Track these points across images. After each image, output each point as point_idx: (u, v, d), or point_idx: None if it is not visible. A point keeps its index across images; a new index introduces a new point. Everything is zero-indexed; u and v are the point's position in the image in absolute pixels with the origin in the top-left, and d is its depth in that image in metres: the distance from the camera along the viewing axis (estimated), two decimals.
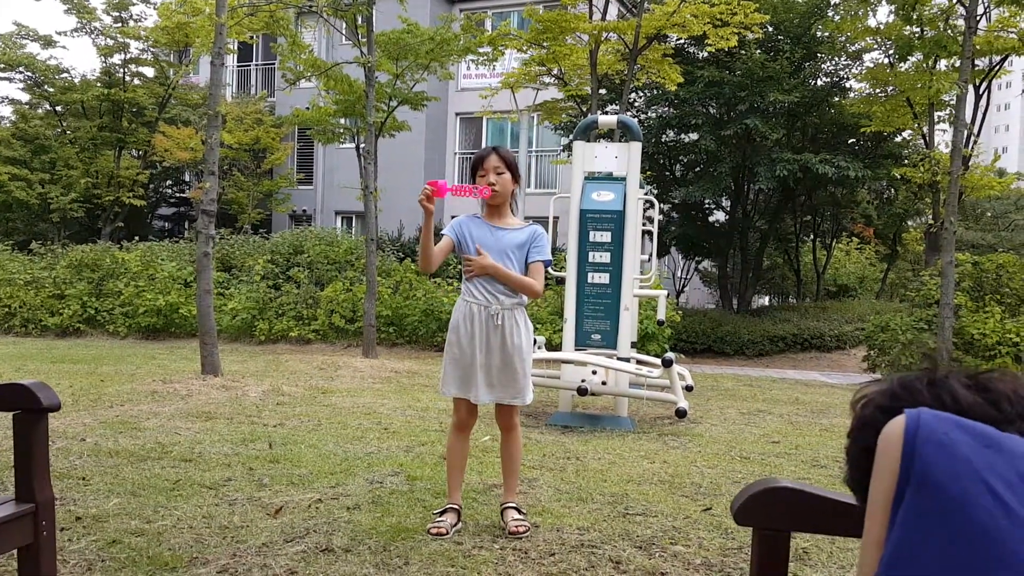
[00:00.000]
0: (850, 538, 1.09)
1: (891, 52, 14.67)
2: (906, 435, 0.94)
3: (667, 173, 16.66)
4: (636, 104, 16.10)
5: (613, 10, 15.44)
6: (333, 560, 2.97)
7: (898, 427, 0.96)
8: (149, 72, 20.38)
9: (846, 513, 1.28)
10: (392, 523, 3.42)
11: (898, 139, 16.18)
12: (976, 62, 13.17)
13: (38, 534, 2.15)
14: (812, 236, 20.46)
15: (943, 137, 17.05)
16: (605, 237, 6.38)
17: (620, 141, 7.38)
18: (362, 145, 12.85)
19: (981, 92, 14.25)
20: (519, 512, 3.43)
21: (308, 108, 15.35)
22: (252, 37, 12.72)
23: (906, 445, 0.94)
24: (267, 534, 3.25)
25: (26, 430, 2.15)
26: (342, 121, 15.09)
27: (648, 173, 15.45)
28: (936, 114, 14.36)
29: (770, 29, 14.66)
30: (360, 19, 11.18)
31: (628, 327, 6.48)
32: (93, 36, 18.94)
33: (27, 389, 2.13)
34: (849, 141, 15.86)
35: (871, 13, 13.81)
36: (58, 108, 20.28)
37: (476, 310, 3.35)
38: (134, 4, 18.84)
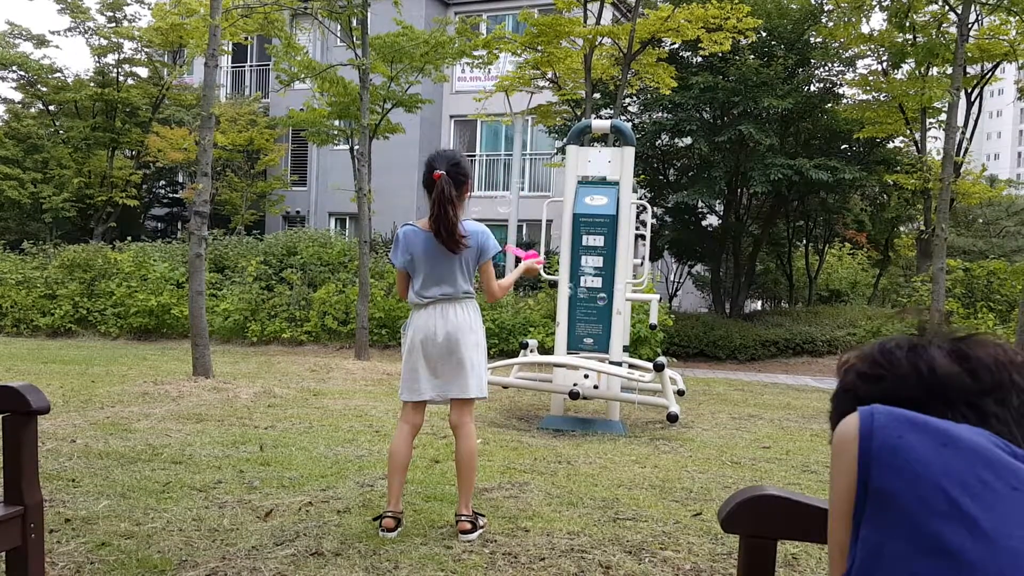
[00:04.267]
0: None
1: (884, 59, 14.75)
2: (861, 440, 0.92)
3: (661, 177, 16.70)
4: (630, 108, 16.14)
5: (608, 15, 15.48)
6: (323, 564, 2.97)
7: (851, 430, 0.94)
8: (143, 72, 20.33)
9: None
10: None
11: (890, 145, 16.25)
12: (968, 69, 13.25)
13: (26, 537, 2.14)
14: (805, 241, 20.52)
15: (935, 144, 17.14)
16: (598, 241, 6.39)
17: (614, 145, 7.40)
18: (356, 147, 12.86)
19: (973, 99, 14.35)
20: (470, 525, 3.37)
21: (302, 110, 15.37)
22: (246, 38, 12.73)
23: (861, 452, 0.92)
24: (257, 537, 3.24)
25: (15, 432, 2.15)
26: (336, 123, 15.12)
27: (642, 177, 15.49)
28: (928, 121, 14.45)
29: (764, 35, 14.72)
30: (355, 21, 11.18)
31: (620, 331, 6.50)
32: (87, 36, 18.89)
33: (16, 391, 2.12)
34: (842, 147, 15.93)
35: (864, 20, 13.85)
36: (51, 107, 20.21)
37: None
38: (128, 4, 18.80)
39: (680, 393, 7.28)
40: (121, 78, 19.59)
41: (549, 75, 14.10)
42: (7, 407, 2.14)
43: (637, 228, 7.94)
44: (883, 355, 1.03)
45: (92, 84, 19.29)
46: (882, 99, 14.36)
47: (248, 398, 6.96)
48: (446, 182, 3.32)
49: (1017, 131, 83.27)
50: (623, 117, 14.39)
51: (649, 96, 15.40)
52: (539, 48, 13.15)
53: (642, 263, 8.36)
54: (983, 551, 0.83)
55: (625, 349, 7.01)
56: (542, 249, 7.54)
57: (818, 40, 15.03)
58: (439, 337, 3.39)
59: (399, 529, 3.35)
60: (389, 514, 3.35)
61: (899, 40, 13.24)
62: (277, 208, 20.68)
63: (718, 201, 16.77)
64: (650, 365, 6.55)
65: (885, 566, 0.87)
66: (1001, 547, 0.83)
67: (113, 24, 18.85)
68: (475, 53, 13.67)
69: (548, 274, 7.91)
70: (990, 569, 0.82)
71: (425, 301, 3.44)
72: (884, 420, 0.93)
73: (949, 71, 11.90)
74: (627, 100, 15.33)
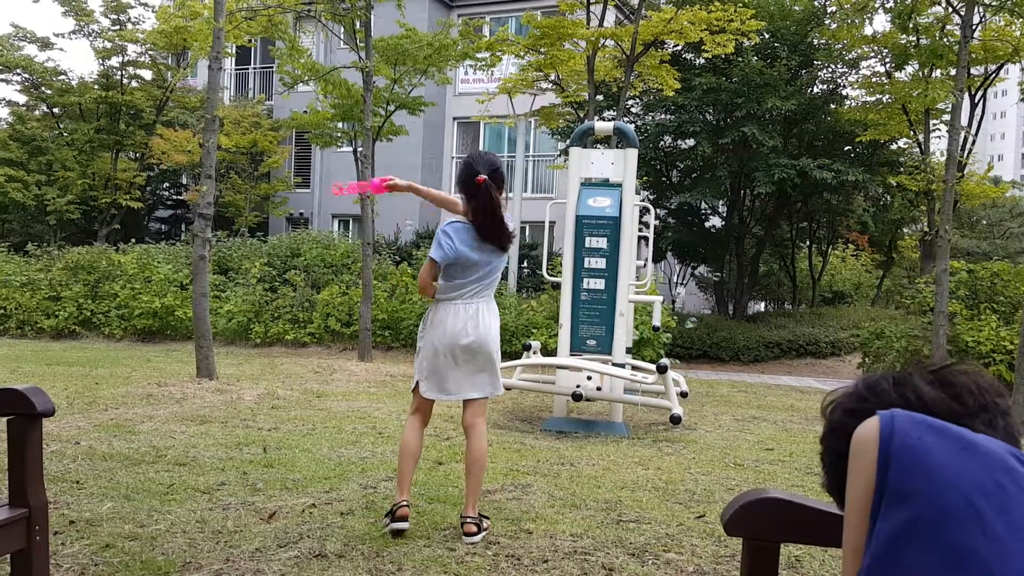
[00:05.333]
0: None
1: (887, 60, 14.73)
2: (881, 441, 0.93)
3: (664, 179, 16.69)
4: (633, 110, 16.14)
5: (611, 16, 15.47)
6: (326, 566, 2.97)
7: (872, 431, 0.95)
8: (147, 75, 20.36)
9: (836, 523, 1.29)
10: (385, 529, 3.42)
11: (894, 147, 16.22)
12: (972, 70, 13.22)
13: (31, 539, 2.15)
14: (808, 242, 20.49)
15: (939, 145, 17.11)
16: (601, 243, 6.40)
17: (616, 147, 7.40)
18: (359, 149, 12.86)
19: (976, 100, 14.31)
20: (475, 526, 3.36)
21: (306, 112, 15.37)
22: (250, 41, 12.73)
23: (881, 452, 0.93)
24: (260, 539, 3.25)
25: (20, 435, 2.15)
26: (340, 125, 15.11)
27: (645, 179, 15.47)
28: (932, 122, 14.42)
29: (767, 36, 14.71)
30: (358, 24, 11.20)
31: (623, 333, 6.49)
32: (91, 39, 18.93)
33: (21, 394, 2.13)
34: (845, 148, 15.91)
35: (868, 21, 13.83)
36: (55, 110, 20.25)
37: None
38: (132, 7, 18.84)
39: (683, 395, 7.28)
40: (125, 80, 19.63)
41: (552, 77, 14.10)
42: (12, 409, 2.15)
43: (640, 230, 7.94)
44: (869, 389, 1.05)
45: (96, 87, 19.32)
46: (885, 100, 14.33)
47: (252, 400, 6.97)
48: (490, 185, 3.42)
49: (1021, 132, 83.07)
50: (626, 119, 14.39)
51: (652, 98, 15.40)
52: (542, 50, 13.15)
53: (645, 264, 8.36)
54: (997, 552, 0.84)
55: (628, 351, 7.01)
56: (544, 251, 7.54)
57: (821, 42, 15.01)
58: (473, 337, 3.47)
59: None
60: (405, 503, 3.36)
61: (902, 42, 13.21)
62: (281, 210, 20.70)
63: (721, 202, 16.75)
64: (653, 367, 6.56)
65: (899, 564, 0.88)
66: (1013, 548, 0.84)
67: (117, 27, 18.89)
68: (478, 55, 13.67)
69: (551, 275, 7.92)
70: (1003, 570, 0.83)
71: (464, 297, 3.49)
72: (904, 423, 0.94)
73: (952, 72, 11.87)
74: (630, 102, 15.33)
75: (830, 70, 15.99)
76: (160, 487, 3.99)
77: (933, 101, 12.16)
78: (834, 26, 14.28)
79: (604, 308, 6.41)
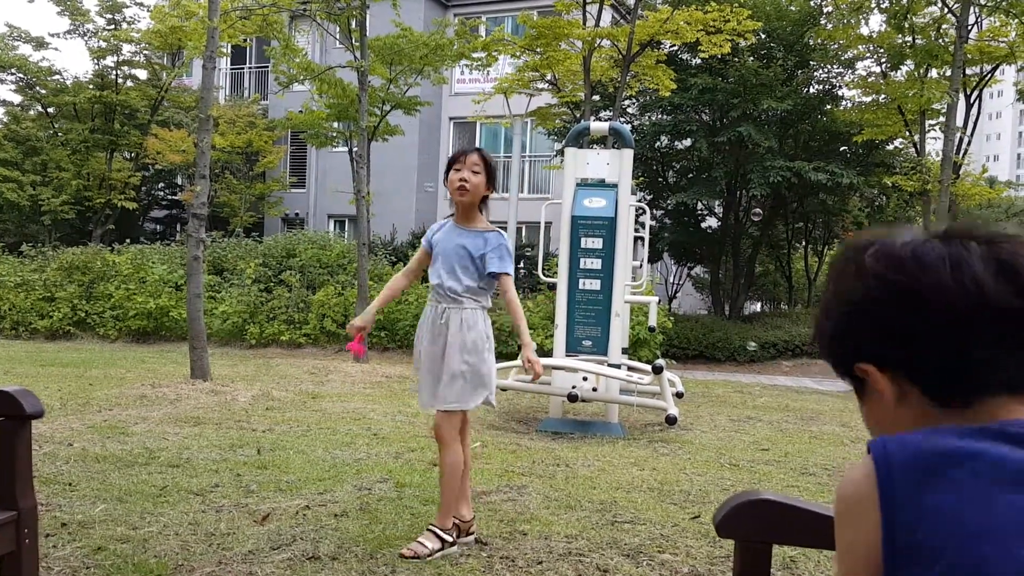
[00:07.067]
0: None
1: (883, 60, 14.76)
2: (882, 498, 0.78)
3: (660, 179, 16.70)
4: (629, 110, 16.14)
5: (607, 16, 15.48)
6: (320, 568, 2.96)
7: (868, 486, 0.79)
8: (142, 74, 20.34)
9: (829, 525, 1.28)
10: (380, 531, 3.41)
11: (890, 147, 16.25)
12: (967, 71, 13.26)
13: (20, 542, 2.13)
14: (804, 243, 20.52)
15: (934, 145, 17.13)
16: (596, 243, 6.39)
17: (612, 148, 7.40)
18: (355, 149, 12.85)
19: (972, 101, 14.34)
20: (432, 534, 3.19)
21: (301, 111, 15.37)
22: (245, 40, 12.72)
23: (885, 513, 0.77)
24: (253, 541, 3.23)
25: (9, 437, 2.13)
26: (335, 125, 15.12)
27: (641, 179, 15.48)
28: (927, 122, 14.46)
29: (763, 36, 14.73)
30: (353, 23, 11.19)
31: (619, 333, 6.49)
32: (86, 38, 18.91)
33: (10, 396, 2.11)
34: (841, 149, 15.94)
35: (863, 22, 13.85)
36: (50, 110, 20.21)
37: (427, 310, 3.55)
38: (127, 6, 18.82)
39: (679, 395, 7.27)
40: (120, 80, 19.60)
41: (548, 77, 14.10)
42: (1, 411, 2.13)
43: (636, 230, 7.94)
44: (917, 262, 0.81)
45: (91, 86, 19.29)
46: (881, 101, 14.36)
47: (246, 401, 6.95)
48: None
49: (1016, 133, 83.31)
50: (622, 119, 14.39)
51: (648, 98, 15.41)
52: (538, 50, 13.15)
53: (641, 265, 8.35)
54: None
55: (624, 351, 7.00)
56: (540, 251, 7.53)
57: (817, 42, 15.03)
58: None
59: None
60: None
61: (898, 42, 13.24)
62: (276, 210, 20.68)
63: (717, 203, 16.76)
64: (649, 367, 6.55)
65: None
66: None
67: (112, 26, 18.86)
68: (474, 55, 13.69)
69: (547, 276, 7.92)
70: None
71: None
72: (902, 470, 0.78)
73: (948, 73, 11.90)
74: (626, 102, 15.34)
75: (826, 70, 16.02)
76: (153, 489, 3.97)
77: (929, 101, 12.20)
78: (830, 26, 14.31)
79: (600, 309, 6.40)
